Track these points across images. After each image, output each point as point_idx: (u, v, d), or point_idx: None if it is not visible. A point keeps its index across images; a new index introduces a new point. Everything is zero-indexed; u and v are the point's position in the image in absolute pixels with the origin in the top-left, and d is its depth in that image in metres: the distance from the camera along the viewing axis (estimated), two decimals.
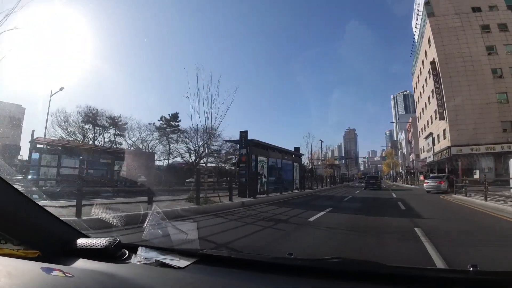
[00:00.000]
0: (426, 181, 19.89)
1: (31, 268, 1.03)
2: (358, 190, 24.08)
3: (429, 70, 38.02)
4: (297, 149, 20.73)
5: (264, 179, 14.14)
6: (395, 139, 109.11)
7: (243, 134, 12.98)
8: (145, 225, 1.76)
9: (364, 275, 1.13)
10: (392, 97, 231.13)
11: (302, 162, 38.05)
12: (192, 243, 1.78)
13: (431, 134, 38.74)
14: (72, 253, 1.20)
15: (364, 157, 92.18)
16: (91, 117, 38.58)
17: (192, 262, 1.26)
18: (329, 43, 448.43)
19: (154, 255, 1.29)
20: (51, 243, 1.21)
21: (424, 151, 45.14)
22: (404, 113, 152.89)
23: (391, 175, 68.19)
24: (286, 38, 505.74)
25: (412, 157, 60.68)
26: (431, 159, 38.09)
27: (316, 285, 1.11)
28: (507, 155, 29.31)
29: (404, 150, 75.28)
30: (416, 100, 51.39)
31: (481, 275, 1.10)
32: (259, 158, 13.88)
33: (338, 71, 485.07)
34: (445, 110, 31.91)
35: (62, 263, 1.11)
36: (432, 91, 37.24)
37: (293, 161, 18.88)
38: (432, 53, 35.47)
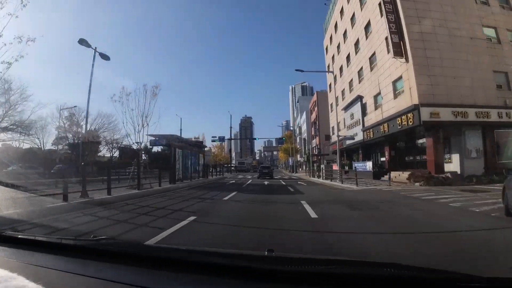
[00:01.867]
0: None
1: None
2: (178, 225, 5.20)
3: None
4: None
5: None
6: (291, 128, 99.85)
7: None
8: None
9: (128, 254, 1.18)
10: (290, 87, 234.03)
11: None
12: None
13: (359, 98, 23.92)
14: None
15: (254, 138, 78.79)
16: None
17: None
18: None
19: None
20: None
21: (341, 129, 30.84)
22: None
23: (290, 163, 54.87)
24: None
25: (316, 141, 47.92)
26: (359, 137, 23.24)
27: (89, 263, 1.15)
28: (504, 128, 15.98)
29: (304, 135, 63.67)
30: (328, 62, 37.26)
31: (278, 261, 1.10)
32: None
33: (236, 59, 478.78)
34: (404, 38, 16.54)
35: None
36: (367, 25, 22.11)
37: None
38: None
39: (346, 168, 27.10)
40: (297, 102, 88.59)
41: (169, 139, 14.50)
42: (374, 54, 20.97)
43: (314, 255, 1.96)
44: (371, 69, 21.61)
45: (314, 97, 51.38)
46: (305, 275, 1.01)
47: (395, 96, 17.78)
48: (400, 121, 16.44)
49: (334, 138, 34.29)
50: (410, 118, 15.35)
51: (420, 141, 17.87)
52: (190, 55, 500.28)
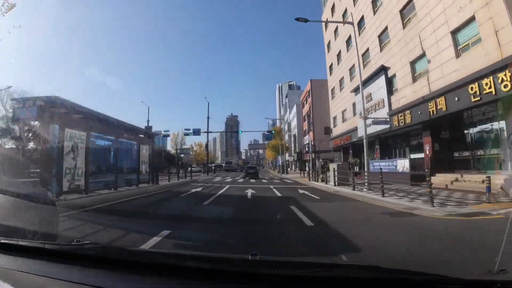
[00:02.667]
0: None
1: None
2: None
3: None
4: None
5: None
6: (278, 119, 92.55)
7: None
8: None
9: (113, 259, 1.14)
10: (277, 86, 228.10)
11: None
12: None
13: (382, 70, 17.34)
14: None
15: (238, 131, 73.10)
16: None
17: None
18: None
19: None
20: None
21: (347, 118, 24.18)
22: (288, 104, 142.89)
23: (279, 162, 47.99)
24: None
25: (309, 137, 41.25)
26: (384, 125, 16.37)
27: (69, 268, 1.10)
28: None
29: (294, 132, 56.96)
30: (329, 39, 30.66)
31: (260, 265, 1.10)
32: None
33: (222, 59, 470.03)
34: None
35: None
36: None
37: None
38: None
39: (356, 168, 20.55)
40: (286, 97, 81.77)
41: (51, 105, 6.98)
42: (410, 1, 14.37)
43: (298, 258, 2.00)
44: (405, 25, 14.99)
45: (308, 87, 44.72)
46: (289, 278, 0.99)
47: (459, 53, 11.15)
48: (476, 90, 9.77)
49: (336, 131, 27.75)
50: (506, 81, 8.68)
51: (482, 127, 11.43)
52: (181, 53, 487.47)
